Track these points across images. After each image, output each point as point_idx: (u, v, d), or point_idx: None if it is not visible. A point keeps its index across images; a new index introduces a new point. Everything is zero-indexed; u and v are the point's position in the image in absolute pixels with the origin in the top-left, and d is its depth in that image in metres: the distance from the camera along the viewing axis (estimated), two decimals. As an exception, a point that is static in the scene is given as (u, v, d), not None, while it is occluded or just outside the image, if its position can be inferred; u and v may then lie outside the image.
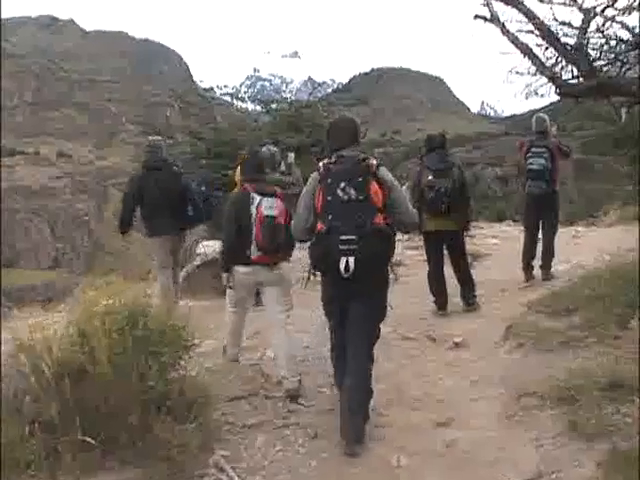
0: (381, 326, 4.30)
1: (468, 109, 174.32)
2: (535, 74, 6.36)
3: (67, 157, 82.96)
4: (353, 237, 3.83)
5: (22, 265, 62.22)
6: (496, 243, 11.82)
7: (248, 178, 5.21)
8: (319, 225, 3.97)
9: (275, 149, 8.04)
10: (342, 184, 3.90)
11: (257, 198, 4.94)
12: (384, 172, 4.05)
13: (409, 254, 10.41)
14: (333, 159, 4.10)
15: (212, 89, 20.36)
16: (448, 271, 7.19)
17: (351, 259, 3.84)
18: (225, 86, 23.29)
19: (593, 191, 33.35)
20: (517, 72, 6.70)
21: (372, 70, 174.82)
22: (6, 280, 40.73)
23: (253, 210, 4.91)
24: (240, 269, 5.06)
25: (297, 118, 15.25)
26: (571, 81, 6.33)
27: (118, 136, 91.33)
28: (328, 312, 4.32)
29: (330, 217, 3.91)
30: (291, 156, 8.24)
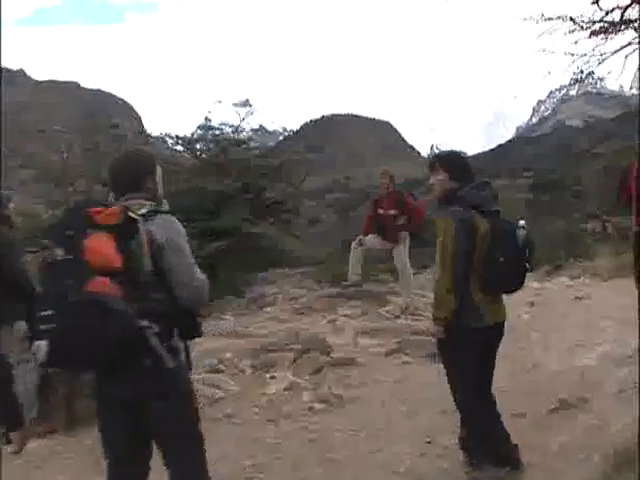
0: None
1: (418, 153, 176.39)
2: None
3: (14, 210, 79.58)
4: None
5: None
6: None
7: None
8: None
9: None
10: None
11: None
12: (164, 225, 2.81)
13: (364, 344, 6.84)
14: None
15: (164, 139, 18.39)
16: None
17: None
18: (177, 136, 21.51)
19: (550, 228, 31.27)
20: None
21: (323, 117, 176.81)
22: None
23: None
24: None
25: (223, 159, 12.86)
26: None
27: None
28: None
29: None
30: (9, 203, 5.05)
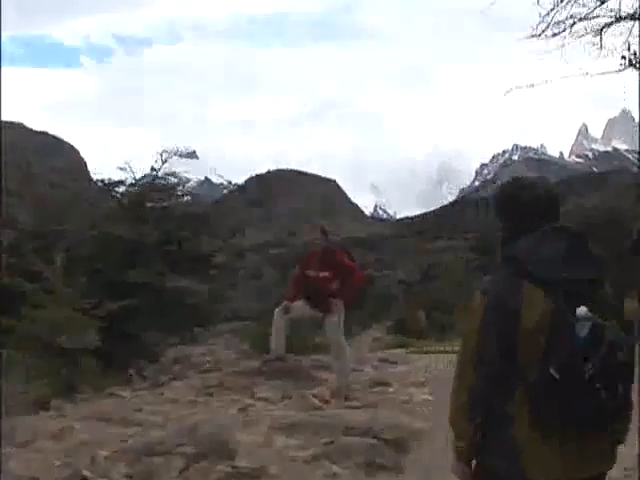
0: None
1: (362, 212, 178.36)
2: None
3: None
4: None
5: None
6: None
7: None
8: None
9: None
10: None
11: None
12: None
13: (281, 445, 5.06)
14: None
15: (110, 186, 17.39)
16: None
17: None
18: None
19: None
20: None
21: (268, 172, 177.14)
22: None
23: None
24: None
25: (141, 205, 11.54)
26: None
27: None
28: None
29: None
30: None
